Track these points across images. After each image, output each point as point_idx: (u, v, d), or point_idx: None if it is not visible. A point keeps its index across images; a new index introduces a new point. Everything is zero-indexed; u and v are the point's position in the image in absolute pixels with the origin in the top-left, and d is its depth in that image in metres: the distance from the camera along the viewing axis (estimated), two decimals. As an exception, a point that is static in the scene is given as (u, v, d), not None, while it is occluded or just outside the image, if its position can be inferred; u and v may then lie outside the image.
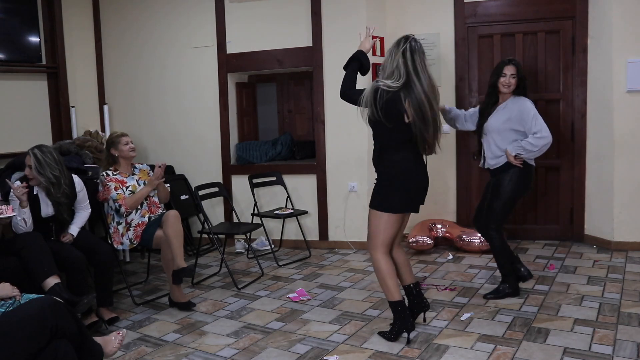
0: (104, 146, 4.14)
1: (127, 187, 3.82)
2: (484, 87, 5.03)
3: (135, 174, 3.93)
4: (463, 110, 3.93)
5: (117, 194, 3.75)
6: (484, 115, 3.68)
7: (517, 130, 3.54)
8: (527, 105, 3.53)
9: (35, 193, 3.40)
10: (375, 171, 3.09)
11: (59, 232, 3.49)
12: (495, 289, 3.69)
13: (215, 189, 4.73)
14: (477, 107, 3.84)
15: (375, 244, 3.04)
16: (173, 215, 3.67)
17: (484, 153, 3.72)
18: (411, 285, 3.18)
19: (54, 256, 3.19)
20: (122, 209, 3.75)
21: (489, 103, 3.67)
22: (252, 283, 4.20)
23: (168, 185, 4.10)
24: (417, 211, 3.13)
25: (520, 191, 3.63)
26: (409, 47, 2.89)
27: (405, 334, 3.02)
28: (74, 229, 3.53)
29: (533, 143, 3.46)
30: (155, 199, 3.94)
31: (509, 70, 3.56)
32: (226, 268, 4.24)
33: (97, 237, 3.81)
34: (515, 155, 3.51)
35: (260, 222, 4.72)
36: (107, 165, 3.92)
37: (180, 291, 3.69)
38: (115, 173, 3.83)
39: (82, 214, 3.64)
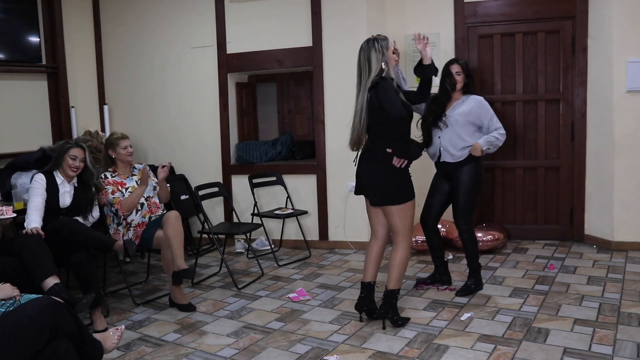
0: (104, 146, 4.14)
1: (126, 189, 3.81)
2: (484, 87, 5.05)
3: (135, 175, 3.92)
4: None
5: (114, 197, 3.75)
6: (438, 111, 3.76)
7: (474, 123, 3.73)
8: (484, 103, 3.77)
9: (60, 182, 3.50)
10: None
11: None
12: (464, 285, 3.80)
13: (215, 189, 4.73)
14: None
15: None
16: (173, 216, 3.66)
17: (440, 147, 3.77)
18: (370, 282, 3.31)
19: (60, 254, 3.23)
20: (119, 213, 3.75)
21: (443, 104, 3.78)
22: (252, 283, 4.19)
23: (168, 185, 4.10)
24: (364, 196, 3.30)
25: (482, 181, 3.83)
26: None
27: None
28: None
29: (499, 138, 3.74)
30: (156, 200, 3.94)
31: (454, 68, 3.79)
32: (226, 268, 4.24)
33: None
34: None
35: (260, 222, 4.72)
36: (105, 165, 3.92)
37: (181, 292, 3.69)
38: (114, 175, 3.83)
39: (92, 215, 3.67)
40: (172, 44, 5.49)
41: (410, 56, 5.14)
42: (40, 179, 3.46)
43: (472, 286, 3.77)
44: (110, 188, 3.77)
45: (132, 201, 3.76)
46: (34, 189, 3.43)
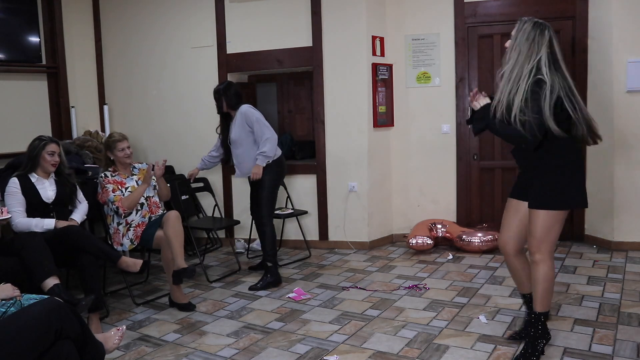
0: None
1: (126, 188, 3.82)
2: (483, 87, 5.04)
3: (135, 174, 3.93)
4: (209, 154, 4.49)
5: (115, 195, 3.75)
6: (225, 132, 4.25)
7: (249, 131, 4.06)
8: (249, 112, 4.07)
9: (34, 180, 3.50)
10: None
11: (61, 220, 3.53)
12: (261, 279, 4.07)
13: (201, 184, 4.93)
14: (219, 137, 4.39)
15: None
16: (173, 215, 3.67)
17: (236, 165, 4.23)
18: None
19: (64, 252, 3.24)
20: (120, 211, 3.75)
21: (226, 123, 4.25)
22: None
23: (168, 185, 4.10)
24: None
25: (278, 181, 4.24)
26: None
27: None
28: (76, 216, 3.65)
29: (266, 152, 3.99)
30: (156, 199, 3.94)
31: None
32: (200, 262, 4.26)
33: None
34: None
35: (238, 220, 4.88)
36: (105, 165, 3.93)
37: (181, 292, 3.69)
38: (114, 174, 3.83)
39: (81, 206, 3.72)
40: (172, 44, 5.49)
41: (410, 57, 5.14)
42: (14, 185, 3.43)
43: (269, 280, 4.05)
44: (110, 186, 3.77)
45: (133, 198, 3.76)
46: (11, 196, 3.41)
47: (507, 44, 2.72)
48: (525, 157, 2.71)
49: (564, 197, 2.62)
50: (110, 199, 3.75)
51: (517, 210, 2.78)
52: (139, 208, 3.82)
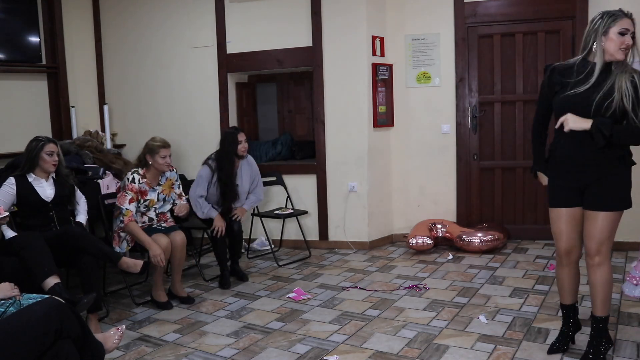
0: (108, 146, 4.14)
1: (145, 199, 3.70)
2: (483, 87, 5.06)
3: (161, 184, 3.79)
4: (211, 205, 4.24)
5: (126, 209, 3.57)
6: (232, 183, 4.17)
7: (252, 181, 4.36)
8: (253, 162, 4.41)
9: (32, 180, 3.48)
10: None
11: (60, 221, 3.53)
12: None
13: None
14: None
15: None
16: (180, 243, 3.73)
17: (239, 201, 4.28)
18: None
19: (64, 253, 3.25)
20: (122, 225, 3.64)
21: (230, 169, 4.17)
22: (251, 283, 4.20)
23: (184, 200, 4.00)
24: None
25: None
26: None
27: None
28: (81, 218, 3.67)
29: (256, 201, 4.45)
30: (167, 213, 3.87)
31: (242, 137, 4.18)
32: (197, 262, 4.25)
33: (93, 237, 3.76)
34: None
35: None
36: (137, 164, 3.75)
37: (181, 286, 3.79)
38: (142, 180, 3.67)
39: (82, 205, 3.75)
40: (172, 44, 5.49)
41: (410, 57, 5.14)
42: (10, 184, 3.42)
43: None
44: (129, 195, 3.61)
45: (134, 233, 3.61)
46: (2, 193, 3.40)
47: (628, 40, 2.53)
48: (598, 156, 2.52)
49: (629, 196, 2.72)
50: (123, 210, 3.59)
51: (573, 218, 2.67)
52: (145, 215, 3.78)
